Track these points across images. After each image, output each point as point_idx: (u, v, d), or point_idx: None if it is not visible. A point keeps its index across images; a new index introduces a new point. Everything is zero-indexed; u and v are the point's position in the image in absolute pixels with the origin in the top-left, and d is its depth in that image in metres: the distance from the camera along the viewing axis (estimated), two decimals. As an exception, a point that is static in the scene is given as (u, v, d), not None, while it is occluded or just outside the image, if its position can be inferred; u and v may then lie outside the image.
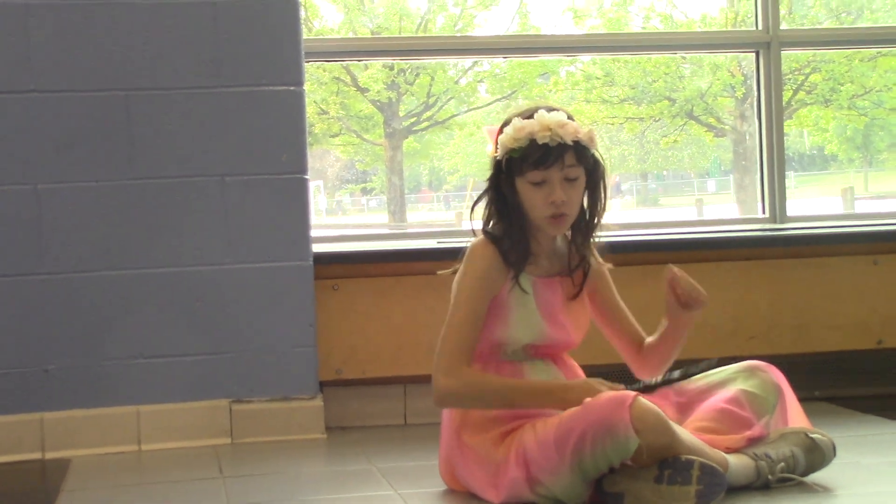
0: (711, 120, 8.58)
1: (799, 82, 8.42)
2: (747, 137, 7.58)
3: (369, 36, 7.71)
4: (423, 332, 3.67)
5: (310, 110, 5.15)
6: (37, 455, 3.46)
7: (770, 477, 2.64)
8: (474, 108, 8.76)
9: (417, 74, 8.15)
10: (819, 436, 2.74)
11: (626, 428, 2.43)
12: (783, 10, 4.43)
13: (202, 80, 3.54)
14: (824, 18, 8.33)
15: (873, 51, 7.75)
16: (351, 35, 7.86)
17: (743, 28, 6.96)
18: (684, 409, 2.77)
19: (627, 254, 3.09)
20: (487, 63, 8.27)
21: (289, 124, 3.60)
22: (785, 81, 5.64)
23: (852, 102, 8.87)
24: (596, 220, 2.78)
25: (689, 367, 2.73)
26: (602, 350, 2.95)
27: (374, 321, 3.75)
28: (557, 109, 2.70)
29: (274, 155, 3.59)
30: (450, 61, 8.13)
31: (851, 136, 10.12)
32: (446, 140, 9.56)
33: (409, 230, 6.38)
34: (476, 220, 2.79)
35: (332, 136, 8.54)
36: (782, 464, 2.66)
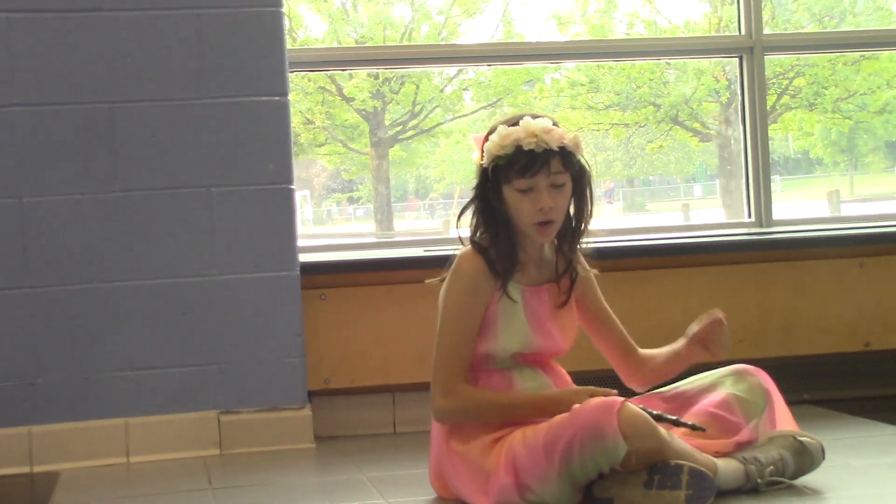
0: (696, 125, 8.60)
1: (783, 86, 8.45)
2: (732, 142, 7.60)
3: (354, 45, 7.71)
4: (411, 340, 3.67)
5: (295, 120, 5.15)
6: (25, 469, 3.45)
7: (759, 480, 2.65)
8: (460, 116, 8.76)
9: (402, 83, 8.15)
10: (808, 439, 2.75)
11: (615, 433, 2.43)
12: (766, 16, 4.44)
13: (186, 92, 3.54)
14: (807, 23, 8.37)
15: (857, 54, 7.79)
16: (335, 45, 7.86)
17: (726, 33, 6.98)
18: (673, 413, 2.77)
19: (614, 260, 3.10)
20: (472, 71, 8.28)
21: (274, 134, 3.60)
22: (769, 86, 5.66)
23: (836, 106, 8.91)
24: (583, 227, 2.78)
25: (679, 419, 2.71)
26: (591, 357, 2.95)
27: (362, 330, 3.74)
28: (542, 116, 2.70)
29: (260, 165, 3.59)
30: (435, 70, 8.14)
31: (836, 139, 10.15)
32: (432, 148, 9.57)
33: (397, 238, 6.38)
34: (463, 229, 2.79)
35: (318, 146, 8.54)
36: (771, 467, 2.67)
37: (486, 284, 2.70)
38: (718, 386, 2.79)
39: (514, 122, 2.69)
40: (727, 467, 2.63)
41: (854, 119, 9.28)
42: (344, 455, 3.47)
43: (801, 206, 9.59)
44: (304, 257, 3.70)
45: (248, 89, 3.58)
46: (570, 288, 2.81)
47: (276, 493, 3.07)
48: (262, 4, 3.58)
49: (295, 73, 4.08)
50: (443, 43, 7.99)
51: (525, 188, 2.67)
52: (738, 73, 4.46)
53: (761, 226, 4.34)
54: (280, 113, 3.60)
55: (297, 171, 3.76)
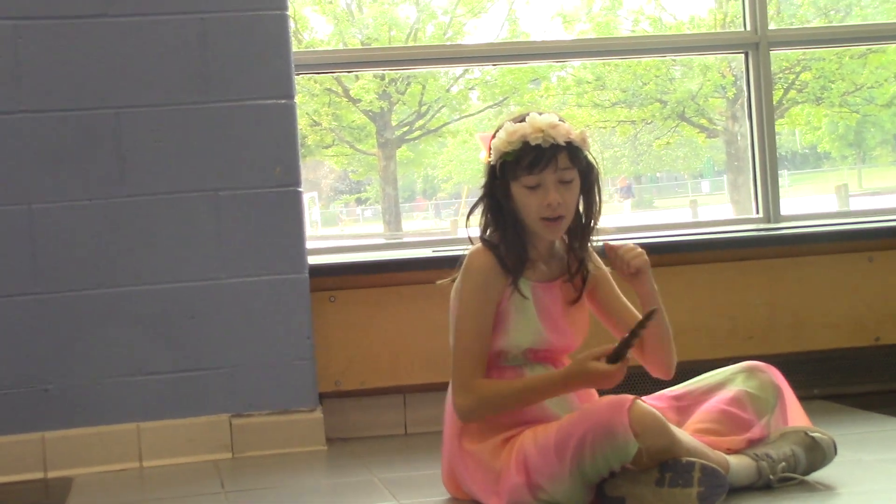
0: (703, 121, 8.60)
1: (790, 81, 8.44)
2: (739, 138, 7.59)
3: (359, 47, 7.71)
4: (421, 341, 3.67)
5: (302, 122, 5.16)
6: (39, 475, 3.46)
7: (771, 477, 2.65)
8: (466, 116, 8.77)
9: (409, 84, 8.15)
10: (819, 434, 2.75)
11: (625, 431, 2.43)
12: (771, 10, 4.45)
13: (192, 96, 3.55)
14: (813, 17, 8.35)
15: (863, 48, 7.77)
16: (341, 46, 7.87)
17: (732, 29, 6.97)
18: (684, 411, 2.78)
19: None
20: (478, 70, 8.28)
21: (281, 137, 3.61)
22: (775, 81, 5.65)
23: (844, 100, 8.89)
24: (592, 223, 2.78)
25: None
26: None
27: (371, 331, 3.75)
28: (549, 113, 2.70)
29: (267, 168, 3.59)
30: (440, 70, 8.14)
31: (844, 133, 10.13)
32: (439, 148, 9.57)
33: (405, 239, 6.38)
34: (472, 228, 2.80)
35: (325, 148, 8.54)
36: (783, 463, 2.66)
37: (496, 281, 2.70)
38: (729, 383, 2.79)
39: (520, 119, 2.69)
40: (739, 464, 2.63)
41: (861, 113, 9.26)
42: (355, 457, 3.48)
43: (810, 200, 9.57)
44: (312, 259, 3.71)
45: (254, 92, 3.59)
46: (582, 285, 2.81)
47: (289, 495, 3.07)
48: (267, 7, 3.58)
49: (301, 75, 4.08)
50: (448, 43, 7.99)
51: (533, 184, 2.67)
52: (744, 69, 4.46)
53: (769, 221, 4.34)
54: (287, 115, 3.61)
55: (305, 173, 3.77)
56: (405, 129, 8.49)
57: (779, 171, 4.41)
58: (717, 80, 8.26)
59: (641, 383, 3.10)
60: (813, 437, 2.73)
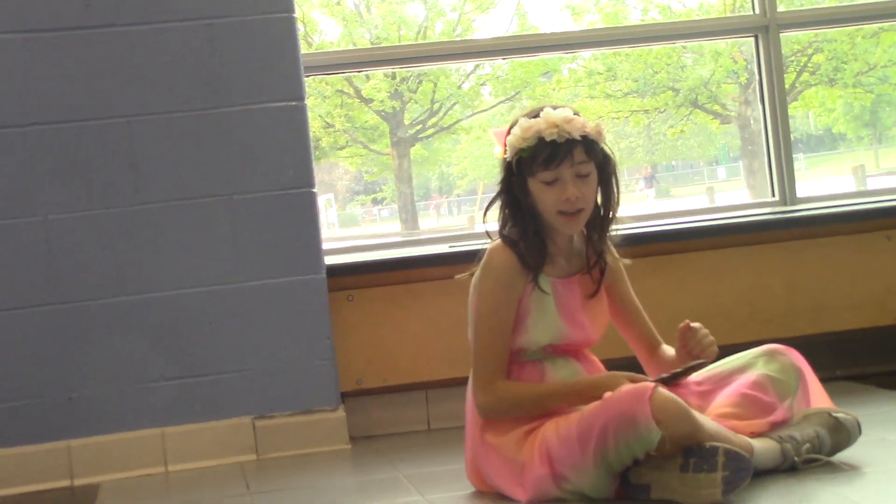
0: (716, 107, 8.58)
1: (802, 64, 8.41)
2: (753, 122, 7.57)
3: (369, 46, 7.73)
4: (440, 336, 3.68)
5: (315, 124, 5.17)
6: (66, 482, 3.48)
7: (796, 458, 2.64)
8: (479, 112, 8.78)
9: (420, 82, 8.17)
10: (843, 415, 2.74)
11: (648, 420, 2.42)
12: (780, -8, 4.42)
13: (203, 102, 3.56)
14: (822, -2, 8.32)
15: (875, 26, 7.73)
16: (351, 47, 7.88)
17: (741, 13, 6.95)
18: (706, 396, 2.77)
19: (641, 245, 3.09)
20: (489, 66, 8.29)
21: (293, 139, 3.61)
22: (788, 63, 5.64)
23: (857, 80, 8.86)
24: (611, 215, 2.77)
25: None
26: (620, 344, 2.95)
27: (391, 329, 3.75)
28: (563, 107, 2.70)
29: (280, 171, 3.60)
30: (451, 66, 8.14)
31: (859, 113, 10.09)
32: (453, 145, 9.58)
33: (421, 237, 6.38)
34: (490, 224, 2.79)
35: (339, 149, 8.57)
36: (808, 445, 2.65)
37: (518, 278, 2.70)
38: (750, 367, 2.78)
39: (534, 115, 2.69)
40: (763, 447, 2.62)
41: (876, 92, 9.23)
42: (379, 454, 3.48)
43: (827, 182, 9.54)
44: (329, 259, 3.71)
45: (264, 96, 3.59)
46: (600, 278, 2.80)
47: (315, 494, 3.08)
48: (274, 10, 3.59)
49: (311, 76, 4.09)
50: (458, 39, 8.00)
51: (550, 180, 2.66)
52: (754, 53, 4.44)
53: (785, 204, 4.32)
54: (298, 117, 3.62)
55: (320, 175, 3.78)
56: (418, 127, 8.50)
57: (794, 155, 4.40)
58: (729, 66, 8.25)
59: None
60: (836, 418, 2.72)
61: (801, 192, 4.36)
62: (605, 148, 2.72)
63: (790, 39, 7.19)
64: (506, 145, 2.73)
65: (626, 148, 9.55)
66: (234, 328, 3.56)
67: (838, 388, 3.32)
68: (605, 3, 7.99)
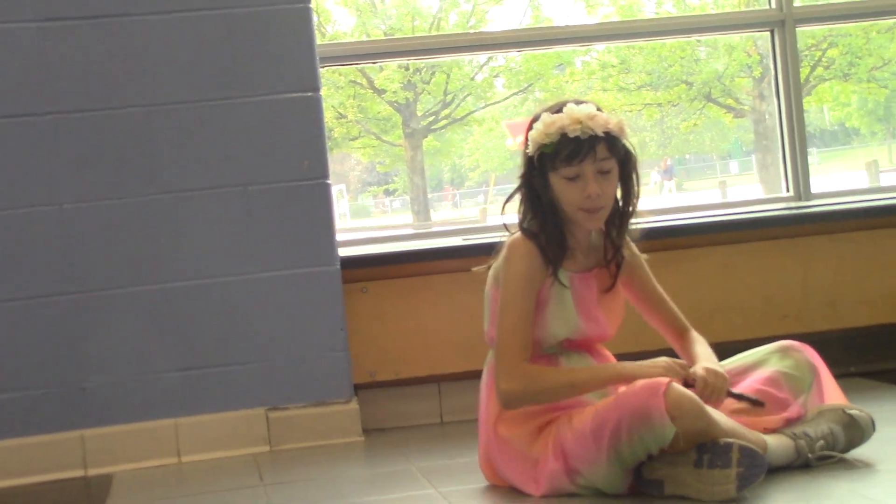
0: (730, 101, 8.56)
1: (817, 58, 8.38)
2: (767, 117, 7.54)
3: (383, 37, 7.72)
4: (454, 329, 3.68)
5: (328, 115, 5.16)
6: (79, 472, 3.49)
7: (810, 455, 2.64)
8: (492, 104, 8.77)
9: (433, 73, 8.16)
10: (857, 411, 2.73)
11: (662, 415, 2.42)
12: (796, -13, 4.40)
13: (219, 92, 3.56)
14: (838, -8, 8.28)
15: (891, 22, 7.69)
16: (364, 38, 7.88)
17: (756, 7, 6.93)
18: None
19: (654, 240, 3.08)
20: (502, 58, 8.28)
21: (308, 130, 3.61)
22: (802, 58, 5.61)
23: (872, 75, 8.82)
24: (630, 210, 2.77)
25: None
26: (635, 338, 2.95)
27: (404, 321, 3.75)
28: (585, 102, 2.68)
29: (295, 162, 3.60)
30: (465, 58, 8.14)
31: (873, 108, 10.06)
32: (465, 137, 9.58)
33: (435, 229, 6.38)
34: (507, 216, 2.79)
35: (352, 140, 8.57)
36: (822, 441, 2.65)
37: (539, 270, 2.69)
38: (764, 363, 2.78)
39: (557, 109, 2.67)
40: (777, 443, 2.62)
41: (890, 88, 9.19)
42: (392, 447, 3.49)
43: (840, 177, 9.51)
44: (343, 251, 3.71)
45: (279, 86, 3.59)
46: (616, 272, 2.80)
47: (327, 486, 3.09)
48: (290, 1, 3.59)
49: (325, 67, 4.09)
50: (471, 31, 7.99)
51: (572, 176, 2.65)
52: (769, 47, 4.42)
53: (800, 200, 4.31)
54: (313, 108, 3.62)
55: (332, 165, 3.77)
56: (431, 118, 8.50)
57: (808, 149, 4.39)
58: (743, 60, 8.22)
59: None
60: (851, 415, 2.71)
61: (814, 188, 4.35)
62: (627, 144, 2.71)
63: (805, 34, 7.16)
64: (527, 139, 2.72)
65: (638, 141, 9.54)
66: (248, 319, 3.57)
67: (852, 385, 3.31)
68: (620, -4, 7.97)
